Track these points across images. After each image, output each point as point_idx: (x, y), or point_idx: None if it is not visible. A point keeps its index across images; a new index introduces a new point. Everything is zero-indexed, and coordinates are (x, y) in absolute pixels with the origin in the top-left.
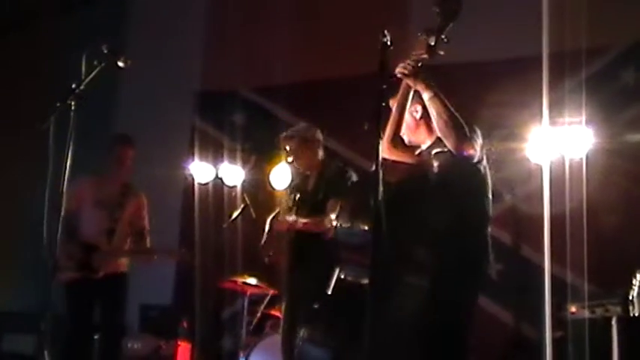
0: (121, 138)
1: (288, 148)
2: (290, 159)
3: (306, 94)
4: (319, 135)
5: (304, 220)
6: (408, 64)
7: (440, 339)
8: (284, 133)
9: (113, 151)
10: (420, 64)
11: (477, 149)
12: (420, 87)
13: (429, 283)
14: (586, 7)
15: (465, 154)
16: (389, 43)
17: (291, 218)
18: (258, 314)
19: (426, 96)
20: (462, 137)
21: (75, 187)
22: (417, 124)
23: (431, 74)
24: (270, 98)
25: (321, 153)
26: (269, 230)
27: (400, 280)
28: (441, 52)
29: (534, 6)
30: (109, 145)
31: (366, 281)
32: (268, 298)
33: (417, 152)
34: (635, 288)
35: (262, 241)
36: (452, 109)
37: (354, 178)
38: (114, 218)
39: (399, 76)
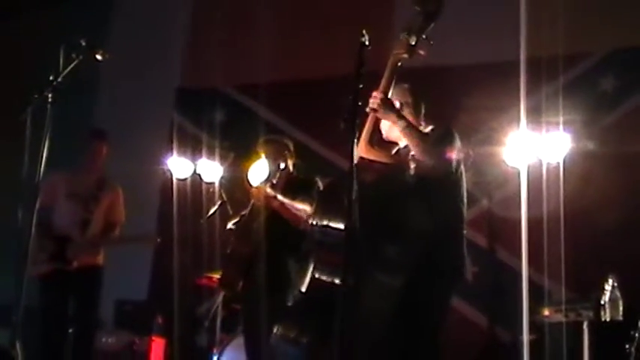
0: (95, 133)
1: (263, 153)
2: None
3: (285, 92)
4: (291, 145)
5: (284, 199)
6: (376, 98)
7: (413, 339)
8: (262, 138)
9: (87, 145)
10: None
11: (453, 155)
12: (391, 120)
13: (402, 283)
14: (564, 13)
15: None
16: (367, 43)
17: (270, 191)
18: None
19: (398, 127)
20: (441, 158)
21: (48, 181)
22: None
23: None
24: (250, 96)
25: (291, 162)
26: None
27: (373, 280)
28: (422, 52)
29: (512, 10)
30: (84, 140)
31: (339, 280)
32: None
33: (394, 151)
34: (607, 293)
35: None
36: (425, 135)
37: (320, 186)
38: (89, 210)
39: (368, 110)
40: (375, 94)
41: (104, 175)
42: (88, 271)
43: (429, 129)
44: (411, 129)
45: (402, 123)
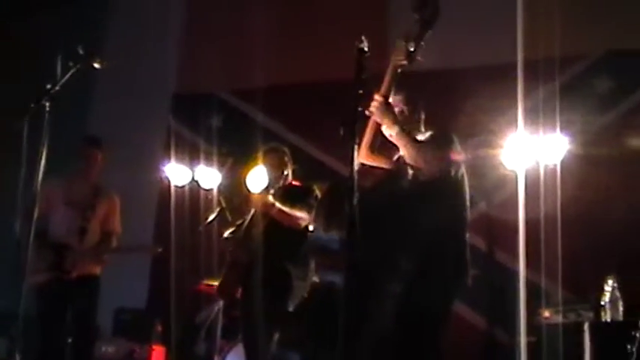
0: (89, 140)
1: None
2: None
3: (283, 97)
4: (289, 153)
5: (283, 207)
6: (376, 101)
7: (414, 344)
8: (263, 148)
9: (81, 152)
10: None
11: (451, 159)
12: (386, 124)
13: (403, 288)
14: (560, 16)
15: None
16: (365, 48)
17: (270, 199)
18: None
19: (392, 132)
20: (433, 165)
21: (45, 189)
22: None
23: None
24: (248, 101)
25: (290, 169)
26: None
27: (375, 285)
28: (420, 59)
29: (509, 14)
30: (79, 147)
31: (341, 286)
32: None
33: (395, 158)
34: (607, 294)
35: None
36: (417, 144)
37: (318, 193)
38: (86, 218)
39: (367, 113)
40: (376, 96)
41: (100, 183)
42: (86, 280)
43: (428, 134)
44: (403, 136)
45: (395, 128)
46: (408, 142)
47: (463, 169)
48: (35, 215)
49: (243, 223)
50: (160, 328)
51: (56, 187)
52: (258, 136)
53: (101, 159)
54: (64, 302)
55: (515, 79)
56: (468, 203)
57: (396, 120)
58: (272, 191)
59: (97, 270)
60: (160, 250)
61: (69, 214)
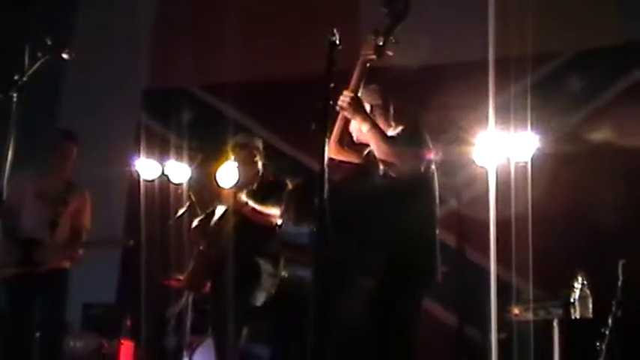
0: (65, 134)
1: (234, 156)
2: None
3: (254, 92)
4: (261, 145)
5: (254, 204)
6: (345, 97)
7: (384, 339)
8: (232, 141)
9: (56, 146)
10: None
11: (422, 156)
12: (357, 119)
13: (373, 283)
14: (532, 13)
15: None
16: (337, 42)
17: (240, 196)
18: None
19: (364, 128)
20: (404, 161)
21: (15, 182)
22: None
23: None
24: (218, 96)
25: (261, 164)
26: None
27: (345, 280)
28: (390, 53)
29: (481, 10)
30: (52, 140)
31: (310, 280)
32: None
33: (365, 153)
34: (577, 291)
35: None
36: (388, 139)
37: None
38: (57, 212)
39: (337, 109)
40: (345, 92)
41: (72, 179)
42: (54, 274)
43: (399, 129)
44: (375, 131)
45: (367, 124)
46: (379, 138)
47: (433, 166)
48: (3, 208)
49: (213, 212)
50: (129, 322)
51: (27, 180)
52: (228, 131)
53: (75, 154)
54: (32, 296)
55: (486, 76)
56: (437, 200)
57: (366, 116)
58: (245, 190)
59: (66, 264)
60: (131, 242)
61: (39, 208)
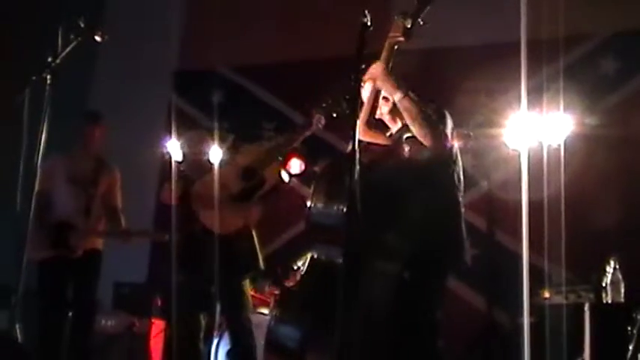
0: (90, 115)
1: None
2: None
3: (285, 74)
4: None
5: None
6: (377, 66)
7: (409, 322)
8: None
9: (83, 128)
10: (395, 47)
11: (448, 139)
12: (388, 88)
13: (399, 266)
14: None
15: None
16: (368, 24)
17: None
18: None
19: (396, 97)
20: (437, 135)
21: (47, 165)
22: (390, 107)
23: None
24: (250, 78)
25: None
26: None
27: (371, 263)
28: (418, 36)
29: None
30: (79, 122)
31: (339, 261)
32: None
33: (388, 134)
34: (609, 275)
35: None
36: (422, 109)
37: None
38: (89, 195)
39: (366, 80)
40: (374, 64)
41: (102, 157)
42: (88, 255)
43: None
44: (407, 99)
45: (399, 93)
46: (413, 108)
47: (457, 148)
48: (36, 190)
49: None
50: (160, 302)
51: (59, 163)
52: (259, 112)
53: (101, 134)
54: (66, 277)
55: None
56: (460, 182)
57: (398, 85)
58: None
59: (100, 245)
60: (166, 237)
61: (72, 192)
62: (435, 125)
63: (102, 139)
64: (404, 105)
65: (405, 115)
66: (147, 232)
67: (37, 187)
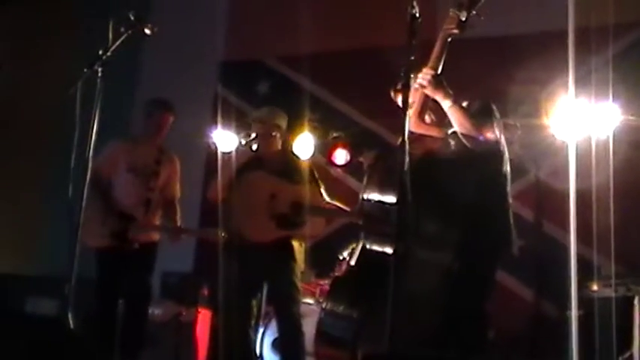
0: (163, 103)
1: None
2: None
3: (330, 64)
4: (283, 121)
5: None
6: (426, 74)
7: (459, 313)
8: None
9: (152, 116)
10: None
11: (495, 132)
12: (438, 96)
13: (448, 257)
14: None
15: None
16: (417, 14)
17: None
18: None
19: (445, 105)
20: (485, 136)
21: (109, 151)
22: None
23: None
24: (294, 68)
25: (281, 141)
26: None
27: (423, 252)
28: (472, 28)
29: None
30: (147, 109)
31: (390, 251)
32: None
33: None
34: None
35: None
36: (468, 116)
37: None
38: (149, 187)
39: (416, 86)
40: (425, 70)
41: (164, 147)
42: (146, 247)
43: (464, 104)
44: (456, 108)
45: (448, 101)
46: (461, 114)
47: (504, 140)
48: (87, 179)
49: None
50: (206, 291)
51: (120, 150)
52: (304, 102)
53: (170, 123)
54: (122, 267)
55: (565, 47)
56: (508, 174)
57: (448, 93)
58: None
59: (157, 237)
60: (223, 235)
61: (133, 182)
62: (482, 126)
63: (169, 127)
64: (452, 112)
65: (452, 120)
66: (204, 231)
67: (96, 174)
